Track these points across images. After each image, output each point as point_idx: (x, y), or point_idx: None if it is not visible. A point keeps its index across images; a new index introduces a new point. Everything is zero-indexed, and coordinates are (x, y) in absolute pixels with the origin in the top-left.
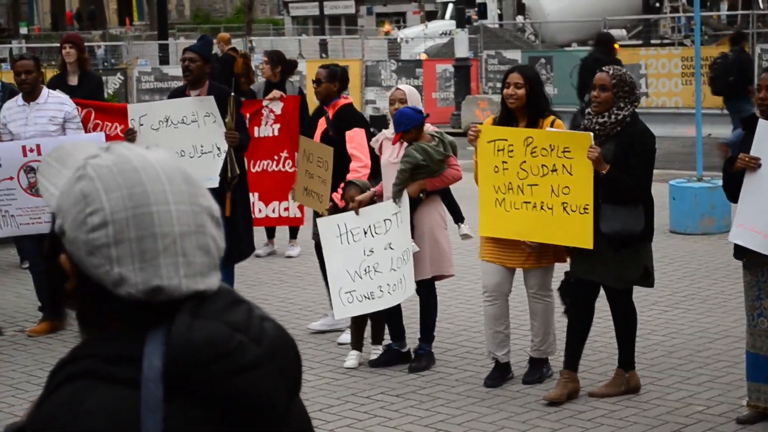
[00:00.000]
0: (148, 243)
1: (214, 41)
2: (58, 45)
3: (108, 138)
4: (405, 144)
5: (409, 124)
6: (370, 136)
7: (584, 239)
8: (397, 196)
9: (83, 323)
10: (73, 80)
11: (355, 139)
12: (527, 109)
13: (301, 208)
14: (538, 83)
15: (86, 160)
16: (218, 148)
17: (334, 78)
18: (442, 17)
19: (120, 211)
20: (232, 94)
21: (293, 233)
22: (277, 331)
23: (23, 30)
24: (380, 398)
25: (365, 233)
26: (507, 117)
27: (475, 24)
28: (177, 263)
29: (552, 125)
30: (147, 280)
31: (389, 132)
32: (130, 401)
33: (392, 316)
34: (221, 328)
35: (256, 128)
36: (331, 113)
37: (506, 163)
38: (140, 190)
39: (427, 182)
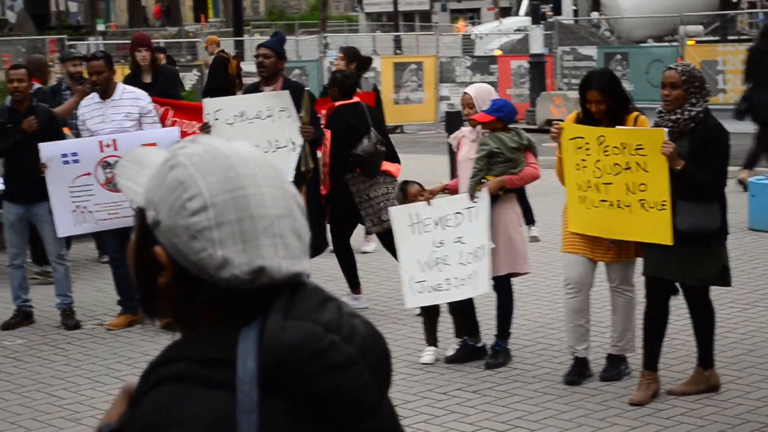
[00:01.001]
0: (248, 224)
1: (204, 43)
2: (130, 44)
3: (183, 135)
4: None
5: (506, 115)
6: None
7: (663, 235)
8: (472, 190)
9: (176, 320)
10: (147, 78)
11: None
12: (609, 114)
13: None
14: (615, 89)
15: (174, 151)
16: (293, 143)
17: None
18: (517, 13)
19: (218, 194)
20: (307, 88)
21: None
22: (366, 329)
23: (100, 27)
24: (457, 394)
25: (436, 225)
26: (588, 117)
27: (549, 20)
28: (276, 244)
29: (636, 122)
30: (250, 261)
31: (467, 130)
32: (224, 404)
33: (465, 311)
34: (314, 328)
35: None
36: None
37: (584, 161)
38: (234, 173)
39: (507, 180)
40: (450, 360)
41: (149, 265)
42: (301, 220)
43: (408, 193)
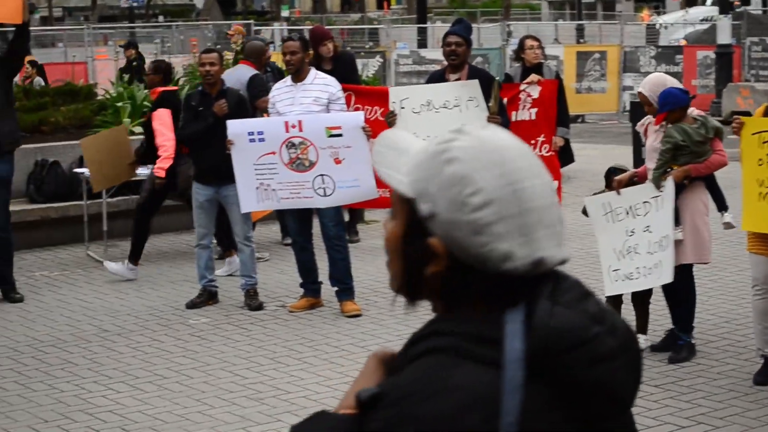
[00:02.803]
0: (527, 217)
1: (230, 32)
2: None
3: (367, 122)
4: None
5: (674, 104)
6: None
7: None
8: (657, 181)
9: (439, 304)
10: (327, 65)
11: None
12: None
13: (559, 190)
14: None
15: (445, 144)
16: None
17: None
18: (703, 3)
19: (499, 189)
20: (496, 78)
21: None
22: (624, 325)
23: (284, 13)
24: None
25: (627, 213)
26: None
27: (738, 10)
28: (549, 234)
29: None
30: (531, 253)
31: (653, 118)
32: (490, 381)
33: (678, 308)
34: (580, 317)
35: (513, 112)
36: None
37: None
38: (510, 167)
39: (692, 168)
40: (655, 348)
41: (419, 254)
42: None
43: (611, 182)
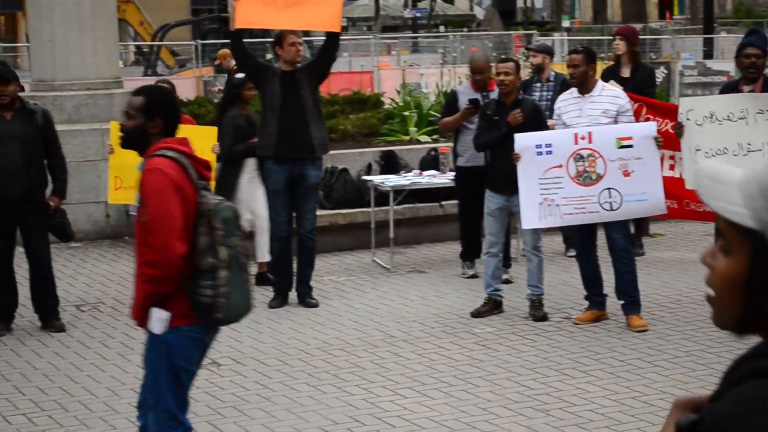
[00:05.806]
0: None
1: (218, 59)
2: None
3: (659, 133)
4: None
5: None
6: None
7: None
8: None
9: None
10: (626, 72)
11: None
12: None
13: None
14: None
15: None
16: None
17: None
18: None
19: None
20: None
21: None
22: None
23: (565, 23)
24: None
25: None
26: None
27: None
28: None
29: None
30: None
31: None
32: None
33: None
34: None
35: None
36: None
37: None
38: None
39: None
40: None
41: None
42: None
43: None
